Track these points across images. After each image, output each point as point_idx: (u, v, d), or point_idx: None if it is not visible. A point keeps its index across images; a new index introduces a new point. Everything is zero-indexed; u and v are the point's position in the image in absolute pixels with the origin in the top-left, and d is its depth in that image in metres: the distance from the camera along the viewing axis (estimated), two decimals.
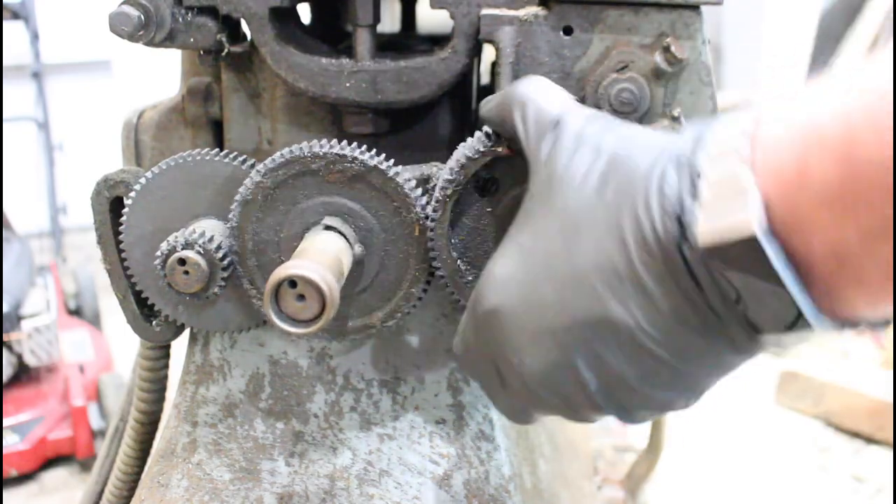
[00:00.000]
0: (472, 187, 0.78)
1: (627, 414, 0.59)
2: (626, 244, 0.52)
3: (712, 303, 0.50)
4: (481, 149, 0.74)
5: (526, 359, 0.59)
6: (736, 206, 0.47)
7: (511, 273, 0.61)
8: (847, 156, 0.44)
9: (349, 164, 0.77)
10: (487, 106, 0.73)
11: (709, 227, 0.48)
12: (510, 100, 0.69)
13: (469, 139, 0.76)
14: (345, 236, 0.78)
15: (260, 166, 0.78)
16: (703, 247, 0.48)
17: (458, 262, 0.79)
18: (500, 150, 0.74)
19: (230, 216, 0.80)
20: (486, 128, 0.76)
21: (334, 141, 0.78)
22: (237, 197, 0.79)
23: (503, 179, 0.76)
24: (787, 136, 0.48)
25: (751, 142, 0.49)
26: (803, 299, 0.47)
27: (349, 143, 0.78)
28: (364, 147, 0.78)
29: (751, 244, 0.46)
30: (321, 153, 0.77)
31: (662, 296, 0.51)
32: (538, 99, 0.67)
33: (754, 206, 0.47)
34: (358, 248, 0.79)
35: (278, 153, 0.78)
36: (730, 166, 0.48)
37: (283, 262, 0.80)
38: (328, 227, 0.78)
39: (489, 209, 0.78)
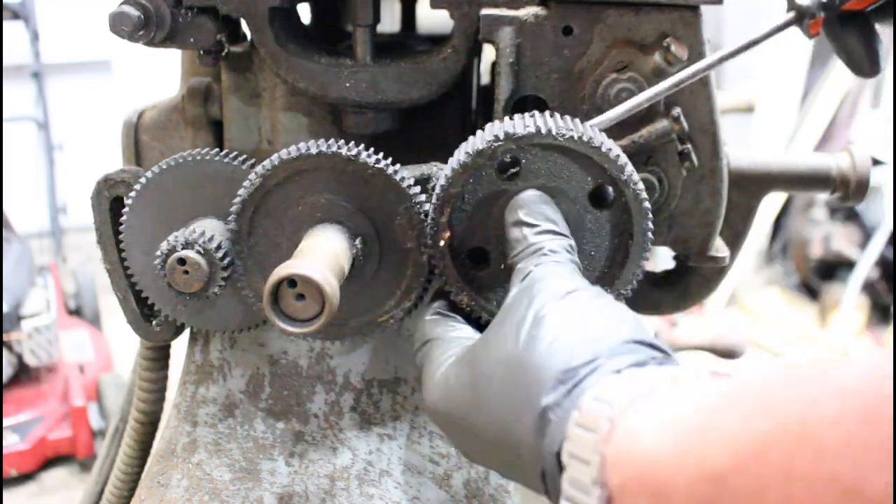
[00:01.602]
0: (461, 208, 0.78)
1: None
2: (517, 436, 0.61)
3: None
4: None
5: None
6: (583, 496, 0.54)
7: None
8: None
9: (383, 181, 0.77)
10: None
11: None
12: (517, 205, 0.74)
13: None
14: (350, 241, 0.78)
15: (292, 148, 0.77)
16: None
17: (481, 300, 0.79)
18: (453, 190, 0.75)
19: (247, 182, 0.78)
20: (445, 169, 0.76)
21: (381, 155, 0.78)
22: (258, 170, 0.78)
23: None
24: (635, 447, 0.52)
25: (610, 425, 0.53)
26: None
27: (347, 143, 0.78)
28: (406, 174, 0.78)
29: None
30: (360, 159, 0.76)
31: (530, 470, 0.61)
32: (537, 222, 0.73)
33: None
34: (359, 242, 0.79)
35: (313, 142, 0.77)
36: (587, 451, 0.54)
37: (279, 243, 0.80)
38: (336, 229, 0.78)
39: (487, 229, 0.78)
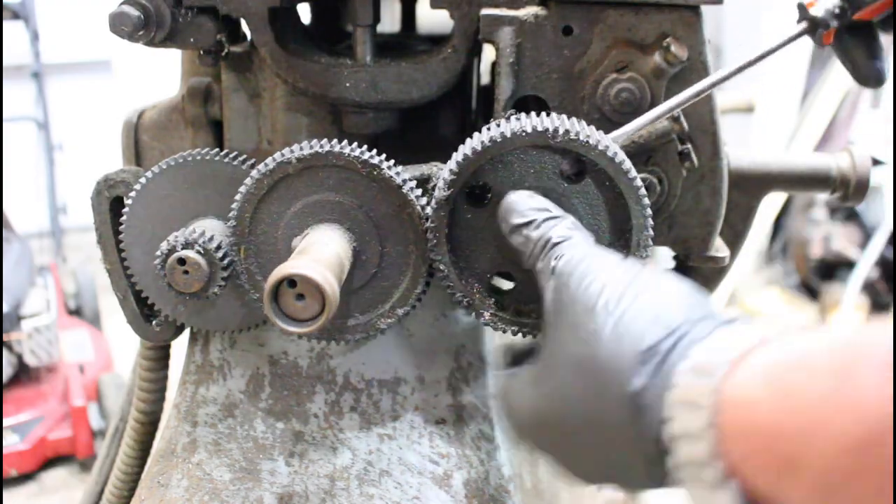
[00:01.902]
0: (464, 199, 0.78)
1: None
2: (609, 420, 0.58)
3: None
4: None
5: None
6: (698, 472, 0.52)
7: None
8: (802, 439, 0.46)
9: (383, 181, 0.77)
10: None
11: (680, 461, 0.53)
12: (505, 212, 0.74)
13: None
14: (350, 241, 0.78)
15: (292, 148, 0.77)
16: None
17: (476, 290, 0.79)
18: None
19: (247, 182, 0.78)
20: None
21: (381, 155, 0.77)
22: (258, 169, 0.77)
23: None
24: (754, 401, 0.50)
25: (718, 396, 0.51)
26: None
27: (349, 143, 0.78)
28: (406, 174, 0.78)
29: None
30: (361, 159, 0.76)
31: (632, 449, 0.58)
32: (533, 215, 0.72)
33: (716, 476, 0.51)
34: (358, 242, 0.79)
35: (313, 142, 0.77)
36: (697, 428, 0.52)
37: (279, 243, 0.80)
38: (336, 229, 0.78)
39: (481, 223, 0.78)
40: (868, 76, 0.80)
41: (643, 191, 0.74)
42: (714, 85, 0.78)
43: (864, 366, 0.45)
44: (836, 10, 0.78)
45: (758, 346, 0.52)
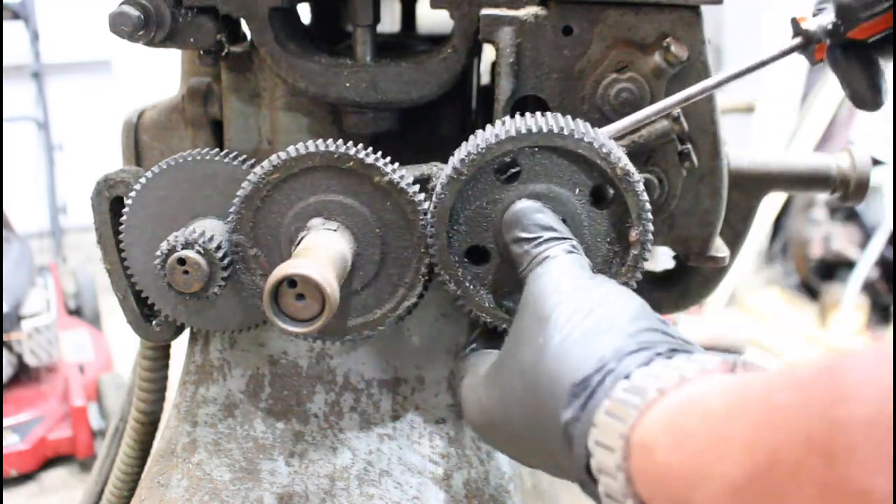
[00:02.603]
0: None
1: None
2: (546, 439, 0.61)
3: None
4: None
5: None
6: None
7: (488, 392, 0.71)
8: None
9: (383, 181, 0.77)
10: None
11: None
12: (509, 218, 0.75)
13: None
14: (350, 241, 0.78)
15: (292, 148, 0.77)
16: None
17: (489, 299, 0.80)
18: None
19: (247, 182, 0.78)
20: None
21: (381, 155, 0.77)
22: (259, 169, 0.77)
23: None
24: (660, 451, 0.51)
25: (626, 440, 0.53)
26: None
27: (346, 143, 0.78)
28: (406, 174, 0.78)
29: None
30: (361, 159, 0.76)
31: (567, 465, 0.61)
32: (535, 222, 0.73)
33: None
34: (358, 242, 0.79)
35: (312, 142, 0.77)
36: (611, 468, 0.54)
37: (280, 243, 0.80)
38: (336, 228, 0.78)
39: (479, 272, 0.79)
40: (863, 98, 0.80)
41: (644, 191, 0.74)
42: (706, 91, 0.78)
43: (748, 408, 0.46)
44: (829, 27, 0.77)
45: (671, 389, 0.53)
